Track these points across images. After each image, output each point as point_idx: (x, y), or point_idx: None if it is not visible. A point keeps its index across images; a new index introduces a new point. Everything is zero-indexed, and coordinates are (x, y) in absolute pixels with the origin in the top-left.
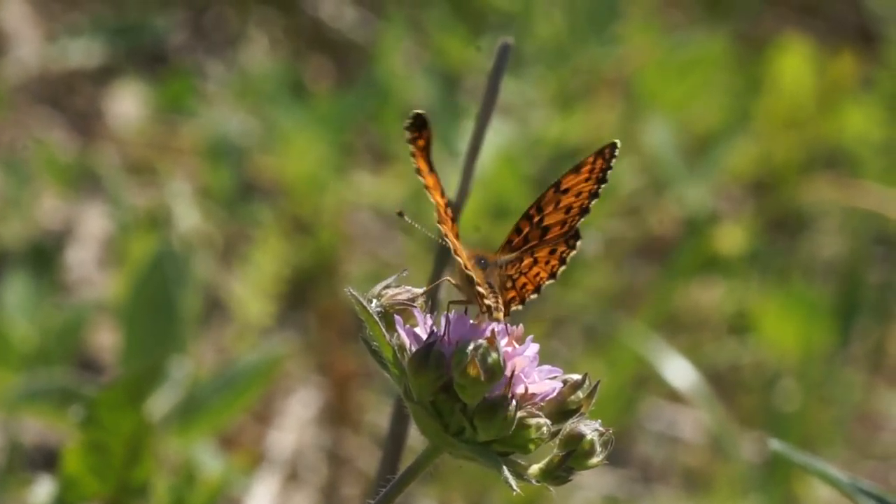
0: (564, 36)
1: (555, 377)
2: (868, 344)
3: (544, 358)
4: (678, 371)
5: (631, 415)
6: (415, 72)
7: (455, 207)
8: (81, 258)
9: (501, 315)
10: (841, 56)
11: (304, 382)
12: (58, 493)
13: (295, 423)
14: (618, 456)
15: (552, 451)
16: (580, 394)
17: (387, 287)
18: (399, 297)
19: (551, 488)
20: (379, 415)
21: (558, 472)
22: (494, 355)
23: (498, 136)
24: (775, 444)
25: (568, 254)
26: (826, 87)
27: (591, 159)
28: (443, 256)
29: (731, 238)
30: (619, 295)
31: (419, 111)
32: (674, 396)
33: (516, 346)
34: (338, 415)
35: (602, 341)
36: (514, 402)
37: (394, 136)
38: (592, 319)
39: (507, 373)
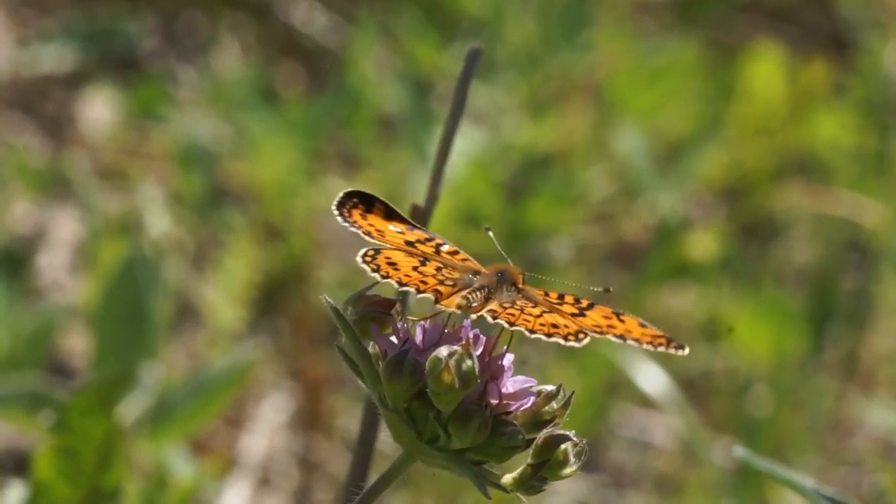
0: (536, 42)
1: (529, 387)
2: (840, 351)
3: (516, 364)
4: (650, 377)
5: (603, 421)
6: (386, 78)
7: (424, 212)
8: (53, 263)
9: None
10: (813, 63)
11: (275, 387)
12: (29, 498)
13: (266, 428)
14: (590, 462)
15: (526, 461)
16: (554, 404)
17: (362, 295)
18: (374, 305)
19: (524, 498)
20: (351, 420)
21: (532, 482)
22: (469, 362)
23: (469, 142)
24: (739, 451)
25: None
26: (798, 93)
27: None
28: None
29: (703, 244)
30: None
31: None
32: (646, 402)
33: (491, 354)
34: (309, 420)
35: (574, 347)
36: (488, 410)
37: (365, 141)
38: None
39: (482, 381)
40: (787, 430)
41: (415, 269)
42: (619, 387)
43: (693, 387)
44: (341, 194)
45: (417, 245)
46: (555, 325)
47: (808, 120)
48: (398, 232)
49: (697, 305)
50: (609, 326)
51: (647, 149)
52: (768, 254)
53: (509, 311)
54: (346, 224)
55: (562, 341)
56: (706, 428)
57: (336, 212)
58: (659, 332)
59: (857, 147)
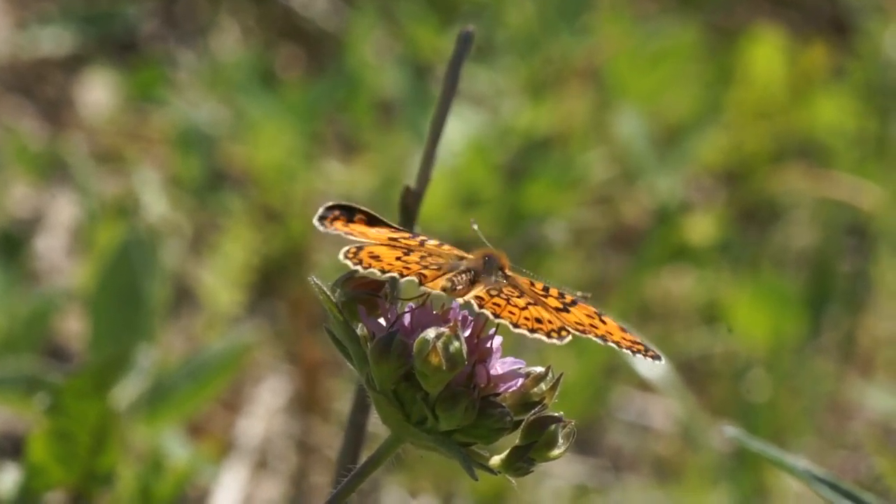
0: (535, 25)
1: (518, 369)
2: (839, 334)
3: (515, 347)
4: (648, 361)
5: (601, 404)
6: (386, 61)
7: (416, 194)
8: (50, 246)
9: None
10: (813, 46)
11: (273, 371)
12: (23, 481)
13: (264, 412)
14: (588, 445)
15: (514, 442)
16: (543, 386)
17: (351, 277)
18: (363, 286)
19: (513, 480)
20: (348, 403)
21: (520, 464)
22: (456, 344)
23: (468, 125)
24: (730, 431)
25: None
26: (798, 77)
27: None
28: None
29: (702, 228)
30: (590, 284)
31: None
32: (644, 386)
33: (479, 336)
34: (307, 403)
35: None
36: (475, 392)
37: (364, 125)
38: None
39: (470, 362)
40: (786, 414)
41: (398, 258)
42: (617, 370)
43: (692, 370)
44: (322, 208)
45: (401, 240)
46: (538, 321)
47: (808, 103)
48: (382, 233)
49: (696, 289)
50: (591, 325)
51: (646, 132)
52: (767, 237)
53: (495, 300)
54: (329, 231)
55: (545, 338)
56: (705, 411)
57: (318, 224)
58: (638, 339)
59: (857, 130)
